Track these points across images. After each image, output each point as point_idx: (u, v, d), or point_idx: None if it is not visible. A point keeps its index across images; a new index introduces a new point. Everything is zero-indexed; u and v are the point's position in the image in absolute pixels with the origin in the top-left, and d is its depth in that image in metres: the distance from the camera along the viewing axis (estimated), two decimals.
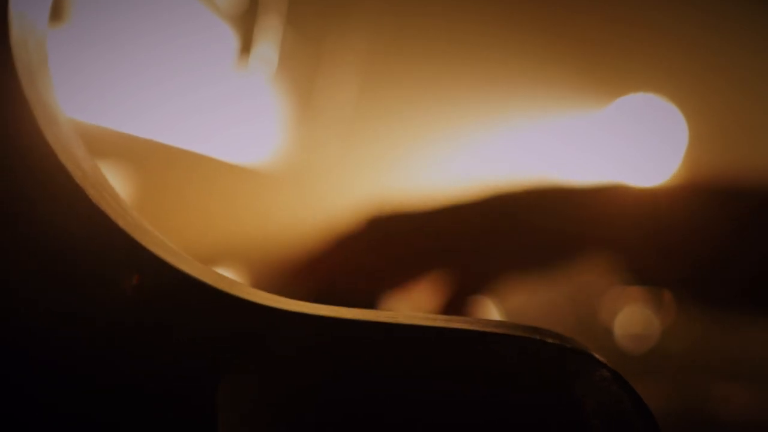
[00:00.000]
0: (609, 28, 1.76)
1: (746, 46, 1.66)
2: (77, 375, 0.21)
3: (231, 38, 0.63)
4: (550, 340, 0.22)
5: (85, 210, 0.20)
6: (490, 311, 0.60)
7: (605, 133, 1.82)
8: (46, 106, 0.21)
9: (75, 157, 0.20)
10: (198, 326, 0.21)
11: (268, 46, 0.59)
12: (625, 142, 1.81)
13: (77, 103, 0.45)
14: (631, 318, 1.50)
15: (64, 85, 0.44)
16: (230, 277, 0.22)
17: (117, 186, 0.50)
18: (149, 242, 0.21)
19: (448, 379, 0.21)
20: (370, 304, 0.49)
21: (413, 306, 0.51)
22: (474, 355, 0.22)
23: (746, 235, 0.45)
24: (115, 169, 0.52)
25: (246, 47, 0.56)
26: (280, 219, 0.93)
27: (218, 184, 0.75)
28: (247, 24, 0.65)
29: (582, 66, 1.73)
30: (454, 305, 0.51)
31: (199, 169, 0.69)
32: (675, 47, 1.72)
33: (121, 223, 0.20)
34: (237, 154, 0.77)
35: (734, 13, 1.67)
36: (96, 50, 0.47)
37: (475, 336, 0.22)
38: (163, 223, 0.60)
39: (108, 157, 0.51)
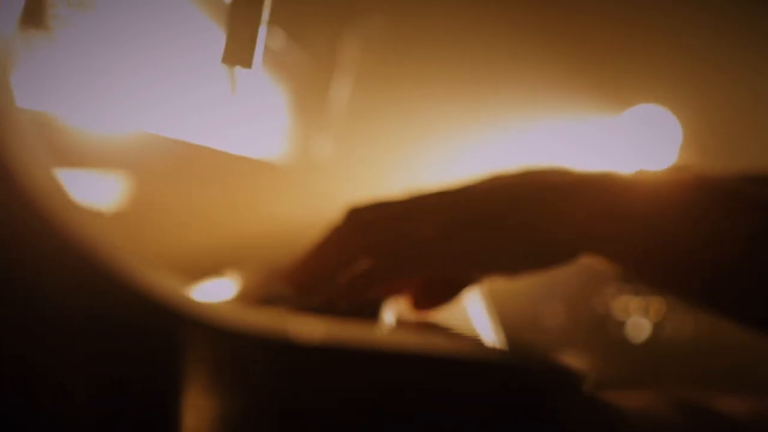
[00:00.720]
0: (610, 29, 1.75)
1: (740, 50, 1.67)
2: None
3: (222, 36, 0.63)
4: (533, 366, 0.21)
5: (34, 222, 0.19)
6: (482, 306, 0.59)
7: (602, 137, 1.81)
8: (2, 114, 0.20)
9: (28, 167, 0.19)
10: (148, 346, 0.20)
11: (259, 42, 0.58)
12: (622, 144, 1.81)
13: (77, 102, 0.44)
14: (627, 313, 1.50)
15: (66, 85, 0.43)
16: (203, 300, 0.22)
17: (120, 184, 0.50)
18: (106, 255, 0.20)
19: (430, 405, 0.21)
20: (366, 301, 0.47)
21: (407, 302, 0.50)
22: (456, 383, 0.21)
23: (745, 238, 0.43)
24: (115, 167, 0.51)
25: (237, 44, 0.55)
26: (282, 215, 0.92)
27: (220, 179, 0.74)
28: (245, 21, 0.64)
29: (579, 66, 1.72)
30: (446, 298, 0.50)
31: (201, 165, 0.68)
32: (673, 54, 1.72)
33: (72, 235, 0.19)
34: (240, 151, 0.76)
35: (730, 17, 1.66)
36: (101, 52, 0.47)
37: (459, 364, 0.21)
38: (163, 217, 0.60)
39: (109, 156, 0.51)
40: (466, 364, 0.21)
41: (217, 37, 0.61)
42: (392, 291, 0.51)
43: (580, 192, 0.44)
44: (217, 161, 0.70)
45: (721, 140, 1.65)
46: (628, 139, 1.79)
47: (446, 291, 0.50)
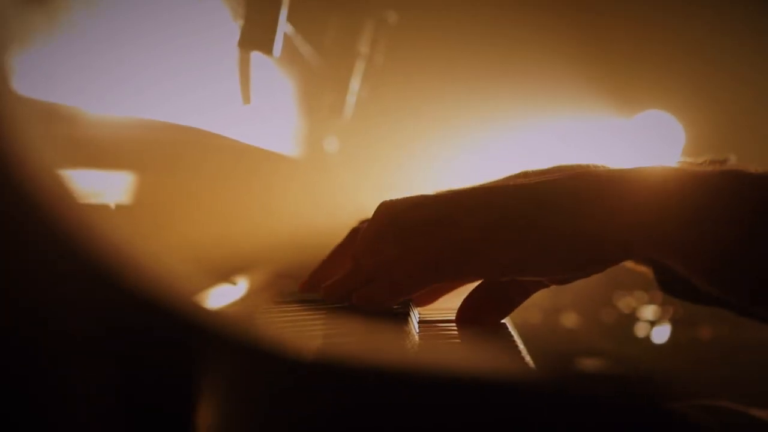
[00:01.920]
0: (619, 36, 1.75)
1: (745, 59, 1.68)
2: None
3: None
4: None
5: (40, 223, 0.17)
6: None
7: (608, 140, 1.81)
8: None
9: (33, 164, 0.18)
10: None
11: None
12: (626, 148, 1.81)
13: (88, 93, 0.43)
14: (648, 316, 1.48)
15: (78, 76, 0.42)
16: (216, 304, 0.20)
17: (129, 179, 0.47)
18: (115, 257, 0.18)
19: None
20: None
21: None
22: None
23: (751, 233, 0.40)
24: (124, 161, 0.49)
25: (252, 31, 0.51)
26: (292, 209, 0.90)
27: (231, 173, 0.73)
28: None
29: (588, 71, 1.71)
30: (497, 314, 0.47)
31: (211, 158, 0.66)
32: (680, 62, 1.72)
33: (79, 236, 0.17)
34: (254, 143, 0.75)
35: (734, 27, 1.67)
36: (113, 43, 0.46)
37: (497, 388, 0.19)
38: (172, 212, 0.58)
39: (118, 150, 0.49)
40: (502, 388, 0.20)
41: (232, 30, 0.59)
42: (431, 296, 0.49)
43: (631, 187, 0.41)
44: (228, 154, 0.67)
45: (725, 146, 1.65)
46: (632, 144, 1.79)
47: (497, 306, 0.46)
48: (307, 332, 0.38)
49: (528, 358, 0.38)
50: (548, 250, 0.41)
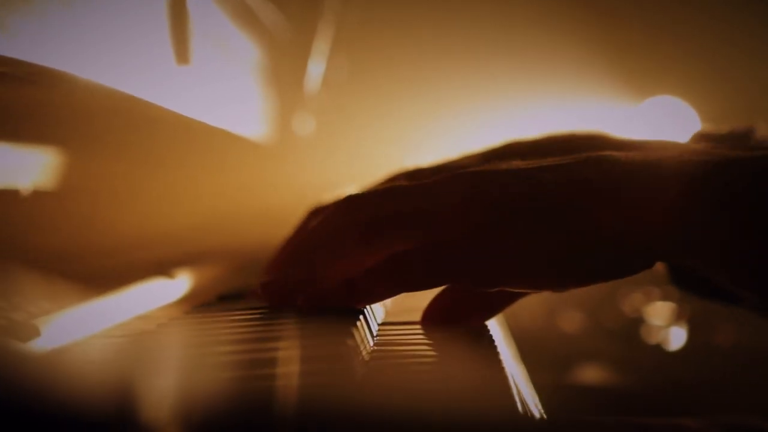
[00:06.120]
0: (629, 19, 1.74)
1: (749, 50, 1.69)
2: None
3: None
4: None
5: None
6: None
7: (620, 126, 1.80)
8: None
9: None
10: None
11: None
12: (639, 134, 1.79)
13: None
14: (660, 320, 1.44)
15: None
16: None
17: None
18: None
19: None
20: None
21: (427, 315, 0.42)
22: None
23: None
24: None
25: None
26: (260, 196, 0.88)
27: (195, 155, 0.70)
28: None
29: (596, 55, 1.70)
30: (480, 315, 0.41)
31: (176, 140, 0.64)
32: (693, 45, 1.73)
33: None
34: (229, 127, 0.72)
35: (748, 10, 1.67)
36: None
37: None
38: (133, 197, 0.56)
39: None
40: None
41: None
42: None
43: (656, 177, 0.35)
44: (173, 129, 0.63)
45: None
46: (645, 130, 1.78)
47: (475, 309, 0.40)
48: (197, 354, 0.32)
49: (516, 395, 0.30)
50: (551, 259, 0.35)
